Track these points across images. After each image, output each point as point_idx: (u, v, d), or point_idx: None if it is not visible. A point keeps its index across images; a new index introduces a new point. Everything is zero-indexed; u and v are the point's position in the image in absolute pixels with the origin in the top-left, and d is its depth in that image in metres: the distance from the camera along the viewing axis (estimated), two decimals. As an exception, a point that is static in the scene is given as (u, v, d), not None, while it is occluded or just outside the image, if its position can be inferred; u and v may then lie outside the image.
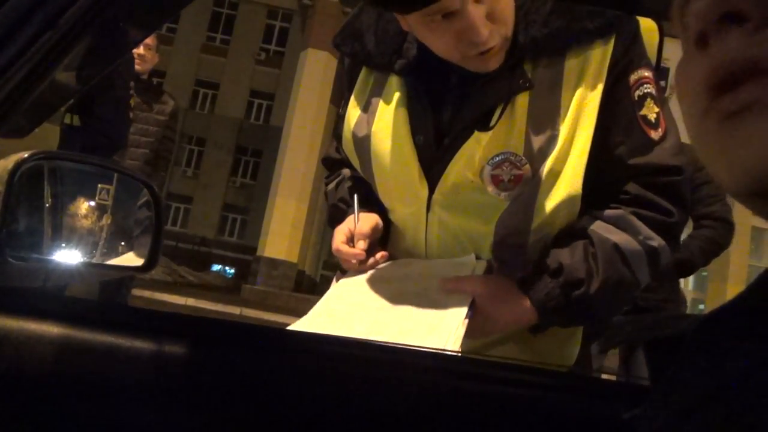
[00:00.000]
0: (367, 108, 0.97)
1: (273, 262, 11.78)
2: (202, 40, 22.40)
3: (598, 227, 0.88)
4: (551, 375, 0.65)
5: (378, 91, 0.96)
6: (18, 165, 0.66)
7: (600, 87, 0.86)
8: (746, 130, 0.28)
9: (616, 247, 0.86)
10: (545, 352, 0.94)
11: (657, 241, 0.88)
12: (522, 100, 0.87)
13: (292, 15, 20.34)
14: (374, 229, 0.98)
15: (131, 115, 2.60)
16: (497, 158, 0.87)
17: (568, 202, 0.88)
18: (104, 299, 2.61)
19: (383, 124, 0.94)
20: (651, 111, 0.88)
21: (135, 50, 2.92)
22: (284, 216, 11.94)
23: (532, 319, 0.87)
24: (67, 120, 2.34)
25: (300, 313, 0.94)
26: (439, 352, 0.67)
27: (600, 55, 0.86)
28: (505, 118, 0.87)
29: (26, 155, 0.67)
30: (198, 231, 21.31)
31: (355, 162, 1.02)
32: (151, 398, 0.55)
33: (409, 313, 0.85)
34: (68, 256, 0.75)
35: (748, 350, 0.29)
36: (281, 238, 11.87)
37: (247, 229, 21.61)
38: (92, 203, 0.91)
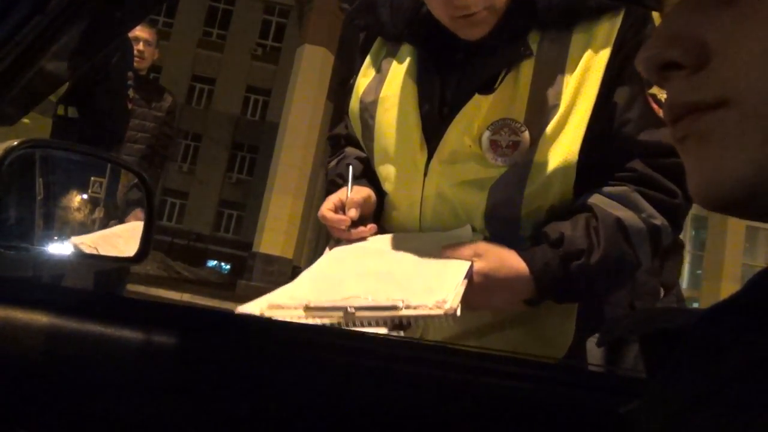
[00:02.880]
0: (377, 76, 1.00)
1: (269, 258, 11.76)
2: (199, 35, 22.33)
3: (601, 202, 0.87)
4: (546, 368, 0.64)
5: (390, 60, 0.99)
6: (7, 153, 0.65)
7: (604, 60, 0.86)
8: (686, 159, 0.33)
9: (618, 222, 0.86)
10: (536, 339, 0.93)
11: (660, 220, 0.88)
12: (527, 69, 0.87)
13: (289, 10, 20.29)
14: (366, 199, 0.98)
15: (129, 107, 2.59)
16: (497, 123, 0.88)
17: (562, 170, 0.88)
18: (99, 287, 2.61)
19: (391, 91, 0.96)
20: (660, 92, 0.88)
21: (134, 46, 2.91)
22: (280, 212, 11.91)
23: (528, 289, 0.85)
24: (60, 111, 2.31)
25: None
26: (435, 344, 0.66)
27: (607, 30, 0.86)
28: (508, 86, 0.88)
29: (15, 143, 0.66)
30: (193, 227, 21.26)
31: (358, 130, 1.03)
32: (140, 388, 0.55)
33: (406, 274, 0.84)
34: (60, 247, 0.74)
35: (747, 347, 0.29)
36: (277, 234, 11.85)
37: (242, 225, 21.58)
38: (85, 196, 0.90)
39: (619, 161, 0.89)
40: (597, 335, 2.79)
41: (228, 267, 20.45)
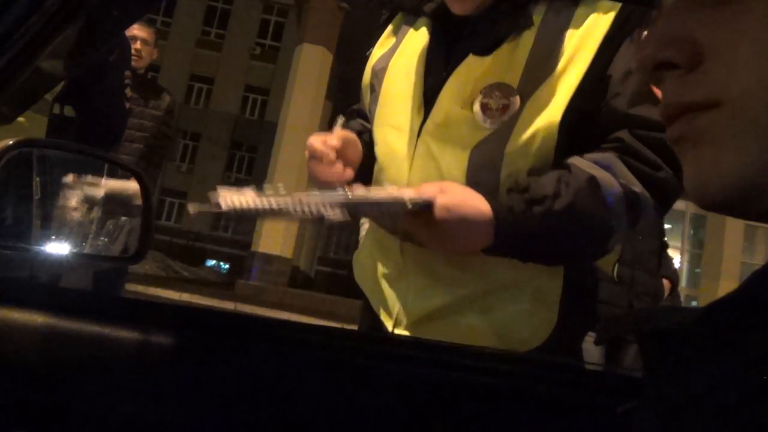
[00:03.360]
0: (392, 46, 1.05)
1: (267, 258, 11.75)
2: (197, 35, 22.30)
3: (580, 162, 0.87)
4: (544, 365, 0.64)
5: (406, 31, 1.04)
6: (2, 152, 0.65)
7: (603, 31, 0.87)
8: (682, 159, 0.32)
9: (592, 179, 0.85)
10: (508, 326, 0.92)
11: (639, 188, 0.87)
12: (527, 39, 0.89)
13: (288, 10, 20.26)
14: (352, 141, 1.00)
15: (127, 106, 2.58)
16: (489, 87, 0.90)
17: (544, 129, 0.88)
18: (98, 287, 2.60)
19: (402, 60, 1.01)
20: None
21: (132, 45, 2.89)
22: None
23: (489, 232, 0.84)
24: (56, 110, 2.30)
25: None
26: (433, 343, 0.66)
27: (611, 4, 0.88)
28: (505, 53, 0.89)
29: (11, 142, 0.66)
30: (192, 226, 21.24)
31: (367, 99, 1.07)
32: (137, 387, 0.55)
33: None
34: (57, 247, 0.74)
35: (745, 344, 0.29)
36: (276, 233, 11.83)
37: (241, 224, 21.55)
38: (81, 196, 0.90)
39: (605, 132, 0.90)
40: (593, 334, 2.78)
41: (227, 266, 20.43)
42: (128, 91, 2.55)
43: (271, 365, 0.57)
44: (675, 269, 2.76)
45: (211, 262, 20.47)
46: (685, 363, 0.32)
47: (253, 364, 0.57)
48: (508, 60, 0.89)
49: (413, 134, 0.96)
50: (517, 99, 0.88)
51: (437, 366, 0.59)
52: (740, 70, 0.30)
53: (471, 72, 0.90)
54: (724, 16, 0.31)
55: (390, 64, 1.02)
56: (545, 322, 0.93)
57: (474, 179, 0.90)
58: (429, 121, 0.94)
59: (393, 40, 1.06)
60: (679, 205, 0.83)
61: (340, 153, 0.97)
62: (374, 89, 1.04)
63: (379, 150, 1.02)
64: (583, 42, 0.88)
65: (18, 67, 0.62)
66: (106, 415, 0.55)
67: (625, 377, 0.64)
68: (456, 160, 0.91)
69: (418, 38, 1.01)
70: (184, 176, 21.88)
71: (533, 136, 0.88)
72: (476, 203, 0.84)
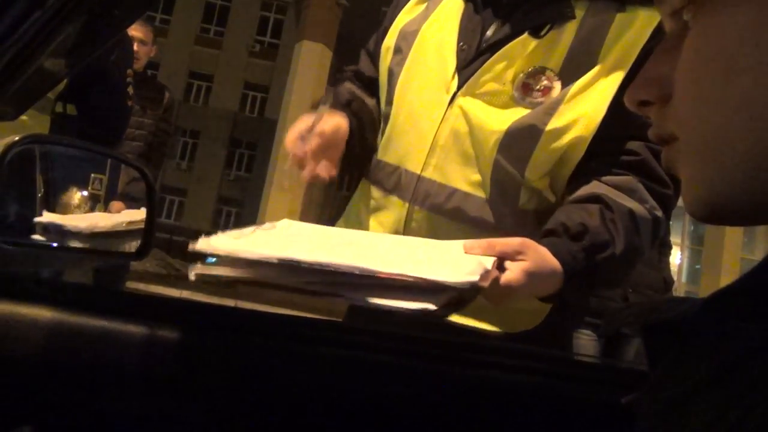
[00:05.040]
0: (424, 12, 1.05)
1: (268, 255, 11.74)
2: (196, 32, 22.25)
3: (610, 192, 0.90)
4: (542, 358, 0.65)
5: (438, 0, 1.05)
6: (7, 149, 0.65)
7: (641, 43, 0.91)
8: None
9: (631, 213, 0.89)
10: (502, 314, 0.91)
11: (659, 211, 0.91)
12: (570, 30, 0.92)
13: (287, 7, 20.22)
14: (334, 128, 0.95)
15: (130, 103, 2.57)
16: (535, 70, 0.92)
17: (585, 120, 0.91)
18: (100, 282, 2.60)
19: (435, 26, 1.01)
20: None
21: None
22: (279, 209, 11.88)
23: (558, 285, 0.83)
24: (59, 109, 2.30)
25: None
26: (435, 339, 0.66)
27: (648, 18, 0.91)
28: (551, 40, 0.92)
29: (16, 139, 0.66)
30: (193, 224, 21.22)
31: (387, 58, 1.05)
32: (143, 383, 0.55)
33: (412, 250, 0.71)
34: (60, 242, 0.74)
35: (751, 331, 0.29)
36: (276, 231, 11.84)
37: (241, 221, 21.53)
38: (85, 193, 0.90)
39: (618, 135, 0.92)
40: (586, 330, 2.77)
41: (227, 264, 20.39)
42: (130, 89, 2.55)
43: (278, 360, 0.58)
44: (669, 270, 2.76)
45: (212, 260, 20.42)
46: (689, 353, 0.32)
47: (258, 359, 0.57)
48: (552, 46, 0.92)
49: (443, 102, 0.96)
50: (559, 85, 0.91)
51: (437, 361, 0.59)
52: (689, 107, 0.33)
53: (521, 51, 0.92)
54: (685, 53, 0.33)
55: (423, 27, 1.02)
56: (538, 308, 0.94)
57: (506, 151, 0.92)
58: (465, 90, 0.95)
59: (423, 6, 1.06)
60: (679, 201, 0.83)
61: (322, 149, 0.93)
62: (401, 51, 1.03)
63: (401, 111, 1.01)
64: (623, 49, 0.91)
65: (20, 65, 0.63)
66: (112, 410, 0.55)
67: (624, 370, 0.65)
68: (491, 130, 0.92)
69: (451, 5, 1.02)
70: (184, 174, 21.86)
71: (574, 123, 0.90)
72: (550, 261, 0.82)
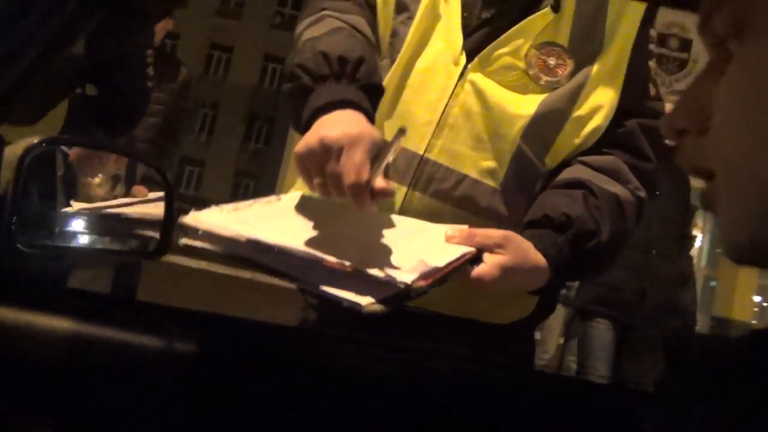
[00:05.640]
0: None
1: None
2: (217, 3, 22.13)
3: (593, 177, 0.89)
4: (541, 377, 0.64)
5: None
6: (27, 151, 0.65)
7: (636, 22, 0.91)
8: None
9: (616, 198, 0.87)
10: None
11: (643, 192, 0.91)
12: (569, 6, 0.89)
13: (308, -22, 19.96)
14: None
15: (150, 84, 2.56)
16: (546, 44, 0.89)
17: (609, 104, 0.90)
18: (119, 281, 2.63)
19: None
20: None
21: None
22: (296, 182, 11.93)
23: (544, 279, 0.83)
24: (77, 89, 2.30)
25: None
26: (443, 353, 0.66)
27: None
28: (557, 16, 0.89)
29: (36, 141, 0.66)
30: (211, 195, 21.39)
31: (387, 12, 0.94)
32: (157, 394, 0.55)
33: (391, 236, 0.72)
34: (80, 242, 0.75)
35: None
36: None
37: (259, 194, 21.60)
38: (104, 174, 0.90)
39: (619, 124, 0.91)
40: (602, 320, 2.73)
41: (245, 236, 20.58)
42: (150, 70, 2.54)
43: (296, 375, 0.58)
44: (690, 264, 2.74)
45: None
46: (722, 390, 0.31)
47: (275, 373, 0.58)
48: (557, 21, 0.90)
49: (455, 71, 0.90)
50: (572, 63, 0.89)
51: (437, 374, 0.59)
52: (729, 141, 0.31)
53: (538, 25, 0.89)
54: (724, 83, 0.32)
55: None
56: (527, 299, 0.92)
57: (530, 136, 0.88)
58: (477, 63, 0.89)
59: None
60: (700, 185, 0.82)
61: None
62: (406, 8, 0.93)
63: (405, 79, 0.91)
64: (624, 29, 0.90)
65: (42, 63, 0.62)
66: (126, 417, 0.56)
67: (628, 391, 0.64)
68: (516, 114, 0.88)
69: None
70: (203, 146, 21.96)
71: (595, 110, 0.89)
72: (533, 256, 0.80)
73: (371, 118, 0.77)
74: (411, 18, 0.92)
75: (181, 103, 3.30)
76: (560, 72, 0.89)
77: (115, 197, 0.92)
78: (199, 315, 0.61)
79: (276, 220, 0.71)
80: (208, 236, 0.64)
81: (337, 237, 0.67)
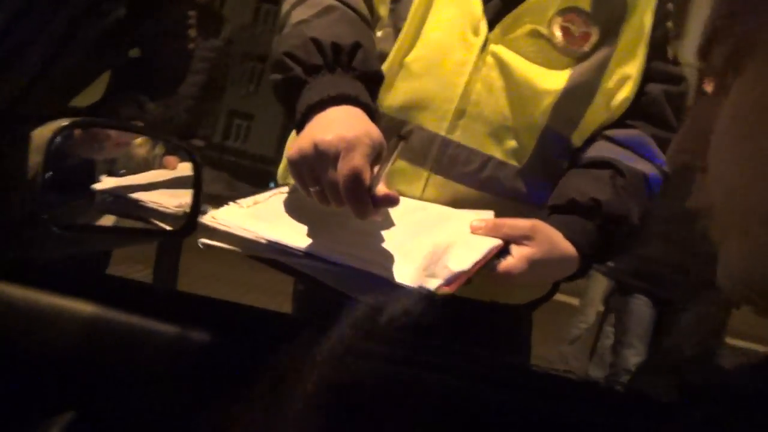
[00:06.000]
0: None
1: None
2: (266, -47, 21.91)
3: (621, 155, 0.85)
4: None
5: None
6: (55, 134, 0.66)
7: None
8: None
9: (644, 177, 0.85)
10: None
11: (667, 166, 0.88)
12: None
13: (359, -73, 19.47)
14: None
15: (191, 46, 2.57)
16: (567, 10, 0.84)
17: (636, 72, 0.87)
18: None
19: None
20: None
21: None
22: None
23: (574, 267, 0.81)
24: (121, 51, 2.33)
25: None
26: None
27: None
28: None
29: (65, 123, 0.67)
30: (258, 149, 21.65)
31: None
32: (175, 384, 0.57)
33: (417, 228, 0.71)
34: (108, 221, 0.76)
35: None
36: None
37: (305, 149, 21.74)
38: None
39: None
40: (641, 296, 2.67)
41: (290, 189, 20.87)
42: (192, 31, 2.55)
43: (313, 369, 0.58)
44: None
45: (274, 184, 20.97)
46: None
47: (293, 366, 0.58)
48: None
49: (475, 42, 0.83)
50: (596, 29, 0.84)
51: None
52: (725, 177, 0.30)
53: None
54: (722, 117, 0.31)
55: None
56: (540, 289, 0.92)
57: (559, 112, 0.84)
58: (500, 32, 0.83)
59: None
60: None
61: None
62: None
63: (413, 52, 0.84)
64: (644, 13, 0.86)
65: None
66: (145, 404, 0.58)
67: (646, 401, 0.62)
68: (545, 90, 0.83)
69: None
70: (251, 98, 22.11)
71: (623, 81, 0.86)
72: (562, 246, 0.77)
73: (370, 112, 0.71)
74: None
75: (225, 60, 3.32)
76: (586, 41, 0.85)
77: (154, 156, 0.93)
78: (218, 303, 0.62)
79: (296, 215, 0.69)
80: (228, 236, 0.62)
81: (357, 233, 0.65)
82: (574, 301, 3.80)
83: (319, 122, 0.67)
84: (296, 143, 0.65)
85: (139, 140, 0.92)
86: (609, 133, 0.87)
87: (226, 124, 21.43)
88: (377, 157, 0.63)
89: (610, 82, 0.85)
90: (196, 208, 0.80)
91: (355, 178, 0.60)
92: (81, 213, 0.77)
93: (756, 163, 0.28)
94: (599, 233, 0.81)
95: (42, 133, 0.66)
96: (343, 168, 0.60)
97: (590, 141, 0.88)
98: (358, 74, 0.74)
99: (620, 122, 0.88)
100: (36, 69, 0.56)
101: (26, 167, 0.63)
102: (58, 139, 0.67)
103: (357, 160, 0.60)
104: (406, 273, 0.58)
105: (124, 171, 0.83)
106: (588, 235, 0.80)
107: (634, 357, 2.52)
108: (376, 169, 0.62)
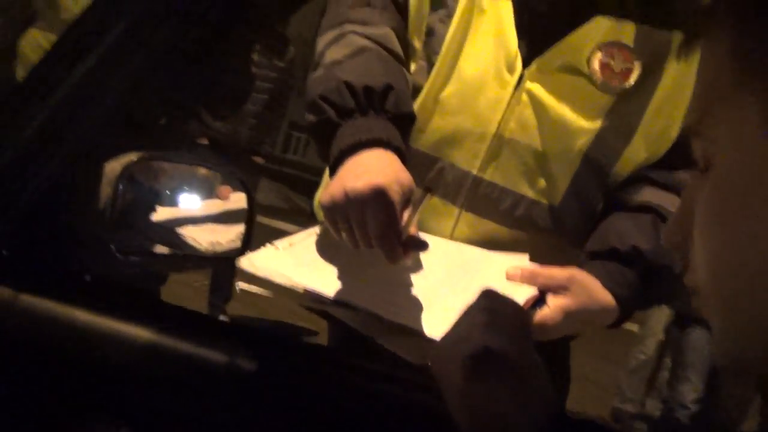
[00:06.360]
0: None
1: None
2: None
3: (664, 200, 0.82)
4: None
5: None
6: (126, 168, 0.71)
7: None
8: None
9: None
10: None
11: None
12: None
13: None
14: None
15: (252, 69, 2.66)
16: (609, 45, 0.80)
17: (666, 142, 0.84)
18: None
19: None
20: None
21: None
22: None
23: (613, 317, 0.79)
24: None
25: None
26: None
27: None
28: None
29: (135, 159, 0.73)
30: (317, 161, 21.95)
31: (422, 8, 0.85)
32: (225, 409, 0.61)
33: (450, 276, 0.72)
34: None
35: None
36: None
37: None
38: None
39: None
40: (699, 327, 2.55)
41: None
42: (255, 56, 2.65)
43: (362, 399, 0.61)
44: None
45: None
46: None
47: (341, 397, 0.61)
48: (619, 20, 0.81)
49: (510, 80, 0.82)
50: (638, 64, 0.80)
51: None
52: (699, 258, 0.32)
53: (600, 24, 0.81)
54: (701, 198, 0.32)
55: None
56: None
57: (595, 149, 0.82)
58: (536, 70, 0.81)
59: None
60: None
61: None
62: (444, 3, 0.84)
63: (447, 87, 0.83)
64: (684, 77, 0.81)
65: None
66: (196, 425, 0.62)
67: None
68: (579, 128, 0.81)
69: None
70: (311, 112, 22.52)
71: (672, 116, 0.82)
72: (600, 297, 0.76)
73: (402, 155, 0.72)
74: (449, 16, 0.83)
75: (288, 80, 3.43)
76: (627, 77, 0.81)
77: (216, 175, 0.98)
78: (263, 333, 0.65)
79: (330, 258, 0.70)
80: (265, 282, 0.65)
81: (391, 278, 0.67)
82: (635, 328, 3.68)
83: (351, 168, 0.69)
84: (328, 189, 0.68)
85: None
86: (652, 174, 0.85)
87: (286, 137, 21.89)
88: (407, 201, 0.66)
89: (653, 121, 0.82)
90: (248, 237, 0.84)
91: (385, 224, 0.62)
92: (143, 239, 0.83)
93: (726, 253, 0.30)
94: (640, 282, 0.79)
95: (113, 167, 0.72)
96: (374, 214, 0.62)
97: (632, 180, 0.86)
98: (390, 116, 0.76)
99: (664, 162, 0.85)
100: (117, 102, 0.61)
101: (98, 198, 0.69)
102: (127, 173, 0.73)
103: (387, 206, 0.62)
104: (437, 327, 0.59)
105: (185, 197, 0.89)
106: (628, 284, 0.78)
107: (691, 392, 2.43)
108: (406, 213, 0.64)
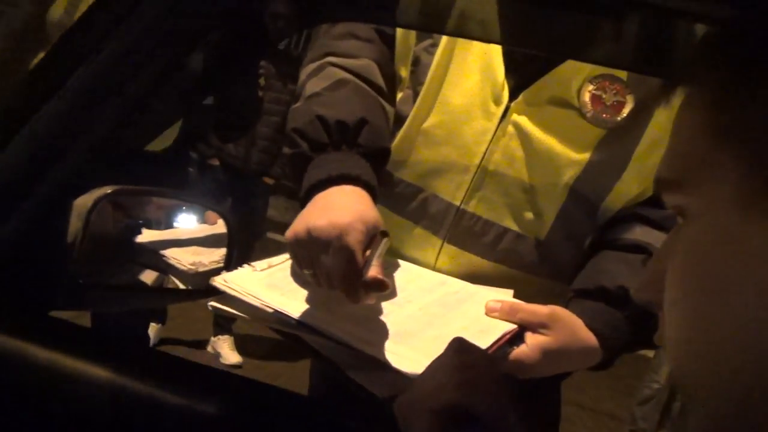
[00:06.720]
0: None
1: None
2: None
3: (656, 240, 0.79)
4: None
5: None
6: (96, 203, 0.71)
7: None
8: None
9: None
10: None
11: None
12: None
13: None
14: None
15: (261, 94, 2.67)
16: (600, 77, 0.78)
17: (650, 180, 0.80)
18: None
19: None
20: None
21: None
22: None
23: (596, 359, 0.77)
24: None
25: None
26: None
27: None
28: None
29: (105, 192, 0.72)
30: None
31: (408, 37, 0.83)
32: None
33: (428, 310, 0.70)
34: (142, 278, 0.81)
35: None
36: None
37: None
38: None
39: None
40: None
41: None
42: (262, 81, 2.67)
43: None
44: None
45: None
46: None
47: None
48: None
49: (496, 111, 0.80)
50: (631, 97, 0.79)
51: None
52: (675, 347, 0.31)
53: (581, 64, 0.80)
54: (671, 266, 0.30)
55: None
56: None
57: (583, 183, 0.80)
58: (523, 102, 0.79)
59: None
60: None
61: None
62: (429, 34, 0.83)
63: (431, 117, 0.82)
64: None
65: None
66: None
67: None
68: (568, 160, 0.79)
69: None
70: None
71: (649, 166, 0.80)
72: (583, 336, 0.73)
73: (372, 190, 0.72)
74: (435, 45, 0.82)
75: (300, 104, 3.45)
76: (619, 110, 0.78)
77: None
78: (224, 375, 0.64)
79: (306, 283, 0.69)
80: (236, 301, 0.65)
81: (365, 312, 0.65)
82: (651, 354, 3.58)
83: (316, 205, 0.69)
84: (292, 226, 0.67)
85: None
86: (644, 212, 0.82)
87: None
88: (372, 240, 0.64)
89: (645, 156, 0.80)
90: (230, 260, 0.83)
91: (345, 264, 0.61)
92: (125, 270, 0.82)
93: (695, 320, 0.29)
94: (627, 324, 0.76)
95: (84, 201, 0.71)
96: (334, 254, 0.61)
97: (623, 217, 0.83)
98: (363, 151, 0.75)
99: (657, 199, 0.83)
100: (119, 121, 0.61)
101: (65, 234, 0.68)
102: (97, 208, 0.72)
103: (348, 247, 0.61)
104: (409, 361, 0.58)
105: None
106: (614, 326, 0.75)
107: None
108: (368, 253, 0.63)
